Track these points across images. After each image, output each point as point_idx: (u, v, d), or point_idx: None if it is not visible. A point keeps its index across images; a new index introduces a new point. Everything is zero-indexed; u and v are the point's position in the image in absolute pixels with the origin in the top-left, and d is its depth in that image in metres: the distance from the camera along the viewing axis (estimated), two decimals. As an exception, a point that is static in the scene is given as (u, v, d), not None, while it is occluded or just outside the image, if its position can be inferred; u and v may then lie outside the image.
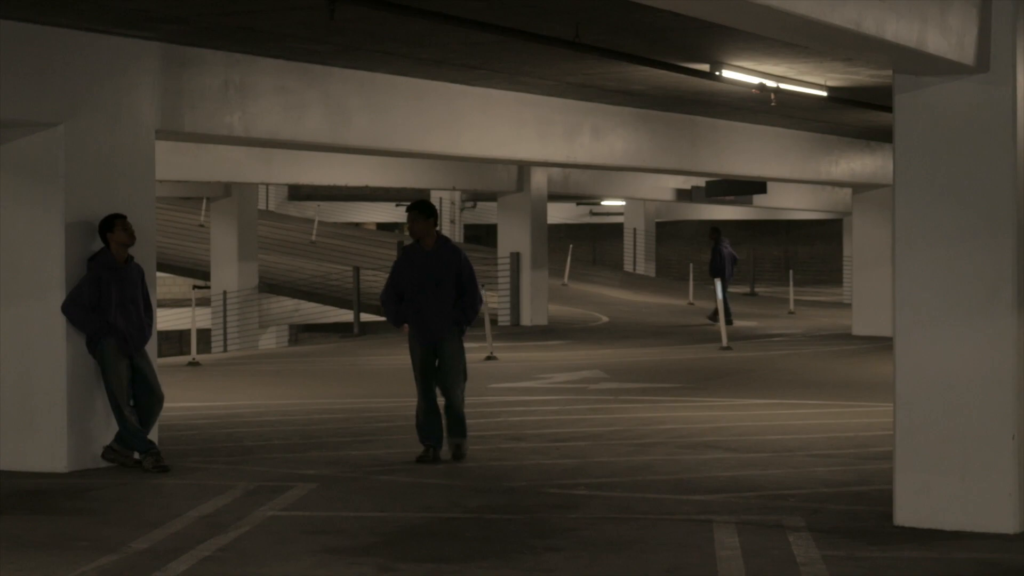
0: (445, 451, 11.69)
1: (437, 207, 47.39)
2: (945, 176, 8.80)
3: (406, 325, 11.63)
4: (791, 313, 33.61)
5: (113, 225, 11.39)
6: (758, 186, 33.80)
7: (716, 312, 27.96)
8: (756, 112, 20.45)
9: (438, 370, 11.58)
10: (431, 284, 11.47)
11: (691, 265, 41.12)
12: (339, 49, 13.87)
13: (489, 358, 21.29)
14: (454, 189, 32.25)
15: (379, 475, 11.00)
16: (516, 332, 27.36)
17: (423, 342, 11.55)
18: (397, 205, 49.08)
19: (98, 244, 11.43)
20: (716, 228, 30.04)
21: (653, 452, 12.12)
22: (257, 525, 9.15)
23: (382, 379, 18.87)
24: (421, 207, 11.57)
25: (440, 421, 11.67)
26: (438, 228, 11.65)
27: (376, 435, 13.32)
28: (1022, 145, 8.83)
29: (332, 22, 11.39)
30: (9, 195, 11.61)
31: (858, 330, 26.30)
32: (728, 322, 28.10)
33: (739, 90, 16.47)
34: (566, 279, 38.66)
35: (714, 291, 28.38)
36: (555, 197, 34.73)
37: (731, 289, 31.27)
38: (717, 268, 28.82)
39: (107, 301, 11.29)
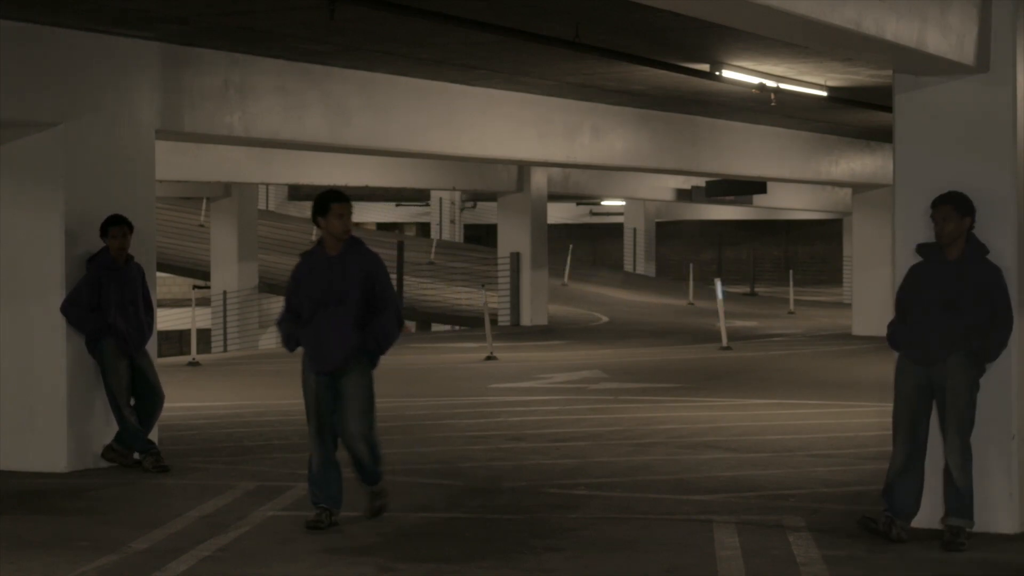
0: (365, 509, 9.30)
1: (437, 207, 47.47)
2: (945, 176, 8.79)
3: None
4: (791, 313, 33.62)
5: (107, 231, 11.38)
6: (758, 186, 33.81)
7: None
8: (756, 112, 20.45)
9: (336, 410, 9.10)
10: (333, 299, 8.92)
11: (691, 265, 41.10)
12: (339, 49, 13.87)
13: (489, 358, 21.29)
14: (454, 189, 32.27)
15: (379, 475, 10.99)
16: (516, 332, 27.36)
17: (317, 371, 9.02)
18: (397, 205, 49.14)
19: (98, 244, 11.42)
20: None
21: (653, 452, 12.11)
22: (257, 525, 9.15)
23: (380, 379, 18.74)
24: (346, 199, 9.02)
25: (339, 475, 9.16)
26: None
27: (376, 435, 13.31)
28: (1022, 145, 8.83)
29: (332, 22, 11.39)
30: (9, 195, 11.61)
31: (858, 330, 26.30)
32: None
33: (739, 90, 16.47)
34: (566, 279, 38.66)
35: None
36: (555, 197, 34.74)
37: (730, 289, 31.68)
38: None
39: (107, 301, 11.28)
